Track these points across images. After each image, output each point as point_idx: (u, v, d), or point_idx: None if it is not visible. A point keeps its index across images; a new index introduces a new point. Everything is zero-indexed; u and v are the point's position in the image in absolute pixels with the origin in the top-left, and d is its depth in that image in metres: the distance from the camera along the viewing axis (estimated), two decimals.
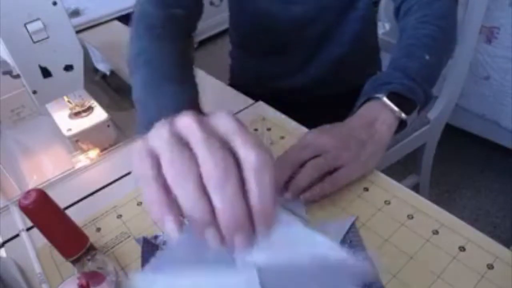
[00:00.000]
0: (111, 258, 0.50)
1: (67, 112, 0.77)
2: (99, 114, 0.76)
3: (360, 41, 0.81)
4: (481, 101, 1.44)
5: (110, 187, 0.62)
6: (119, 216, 0.56)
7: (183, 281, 0.31)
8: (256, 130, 0.67)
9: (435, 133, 1.10)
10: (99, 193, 0.61)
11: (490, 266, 0.43)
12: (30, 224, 0.54)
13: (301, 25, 0.78)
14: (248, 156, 0.28)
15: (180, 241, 0.29)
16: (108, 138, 0.76)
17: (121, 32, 1.17)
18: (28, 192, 0.44)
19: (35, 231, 0.49)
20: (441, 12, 0.63)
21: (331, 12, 0.77)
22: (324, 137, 0.52)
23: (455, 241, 0.46)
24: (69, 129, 0.73)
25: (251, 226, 0.28)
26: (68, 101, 0.76)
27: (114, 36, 1.17)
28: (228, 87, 0.81)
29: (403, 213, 0.50)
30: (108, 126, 0.75)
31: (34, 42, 0.62)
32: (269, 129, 0.67)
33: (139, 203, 0.57)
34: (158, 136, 0.30)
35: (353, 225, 0.49)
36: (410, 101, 0.55)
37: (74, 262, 0.48)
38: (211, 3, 2.01)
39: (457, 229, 0.47)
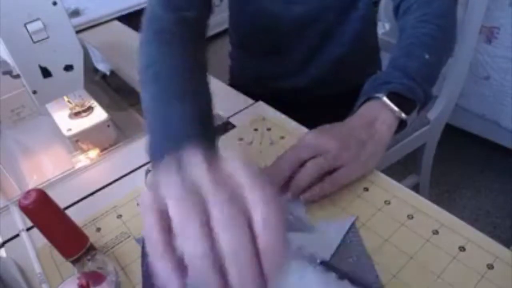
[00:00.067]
0: (111, 258, 0.50)
1: (67, 112, 0.77)
2: (99, 114, 0.76)
3: (360, 41, 0.81)
4: (481, 101, 1.44)
5: (110, 187, 0.62)
6: (119, 216, 0.56)
7: None
8: (256, 130, 0.67)
9: (435, 133, 1.10)
10: (99, 193, 0.61)
11: (490, 266, 0.43)
12: (30, 224, 0.54)
13: (302, 25, 0.78)
14: (259, 212, 0.28)
15: None
16: (108, 138, 0.76)
17: (121, 32, 1.17)
18: (28, 192, 0.44)
19: (35, 231, 0.49)
20: (441, 11, 0.63)
21: (332, 12, 0.77)
22: (324, 137, 0.52)
23: (455, 241, 0.46)
24: (69, 129, 0.73)
25: (260, 277, 0.28)
26: (68, 101, 0.76)
27: (114, 36, 1.16)
28: (228, 87, 0.81)
29: (403, 213, 0.50)
30: (108, 126, 0.75)
31: (34, 42, 0.62)
32: (269, 129, 0.67)
33: (139, 203, 0.57)
34: (169, 188, 0.29)
35: (353, 225, 0.49)
36: (410, 100, 0.55)
37: (74, 262, 0.48)
38: None
39: (457, 229, 0.47)
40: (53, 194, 0.46)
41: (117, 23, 1.23)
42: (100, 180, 0.63)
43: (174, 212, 0.29)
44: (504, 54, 1.31)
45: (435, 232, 0.47)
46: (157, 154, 0.43)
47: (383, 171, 0.55)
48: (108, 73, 0.91)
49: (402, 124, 0.56)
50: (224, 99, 0.76)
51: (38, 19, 0.61)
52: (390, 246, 0.46)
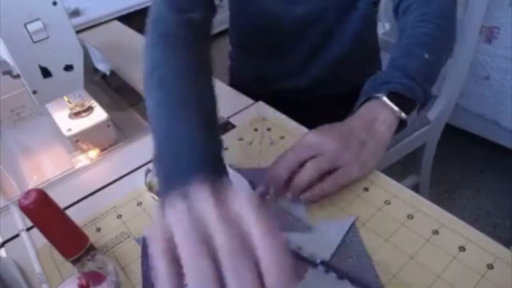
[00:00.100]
0: (111, 258, 0.50)
1: (67, 112, 0.77)
2: (99, 114, 0.76)
3: (360, 41, 0.81)
4: (481, 101, 1.44)
5: (110, 187, 0.62)
6: (119, 216, 0.56)
7: None
8: (256, 130, 0.67)
9: (435, 133, 1.10)
10: (99, 193, 0.61)
11: (490, 266, 0.43)
12: (30, 224, 0.54)
13: (303, 25, 0.78)
14: (264, 250, 0.29)
15: None
16: (108, 138, 0.76)
17: (121, 32, 1.17)
18: (28, 192, 0.44)
19: (35, 231, 0.49)
20: (440, 10, 0.63)
21: (333, 12, 0.77)
22: (324, 137, 0.52)
23: (455, 241, 0.46)
24: (69, 129, 0.73)
25: None
26: (68, 101, 0.76)
27: (114, 36, 1.17)
28: (228, 87, 0.81)
29: (403, 213, 0.50)
30: (108, 126, 0.75)
31: (34, 42, 0.62)
32: (269, 129, 0.67)
33: (139, 203, 0.57)
34: (177, 226, 0.31)
35: (353, 225, 0.49)
36: (410, 100, 0.55)
37: (74, 262, 0.48)
38: None
39: (457, 229, 0.47)
40: (53, 194, 0.46)
41: (117, 23, 1.23)
42: (100, 180, 0.63)
43: (182, 251, 0.30)
44: (504, 54, 1.31)
45: (435, 232, 0.47)
46: (162, 174, 0.43)
47: (383, 171, 0.55)
48: (108, 73, 0.91)
49: (402, 124, 0.56)
50: (224, 99, 0.76)
51: (38, 19, 0.61)
52: (390, 246, 0.46)
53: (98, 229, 0.55)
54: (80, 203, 0.60)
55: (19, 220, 0.57)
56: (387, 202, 0.51)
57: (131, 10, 1.28)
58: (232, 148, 0.63)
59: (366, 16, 0.80)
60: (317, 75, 0.85)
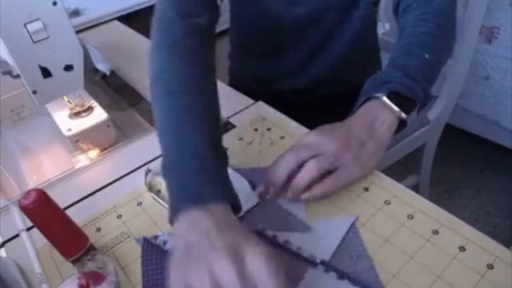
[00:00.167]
0: (111, 258, 0.50)
1: (67, 112, 0.77)
2: (99, 114, 0.76)
3: (360, 41, 0.81)
4: (481, 101, 1.44)
5: (110, 187, 0.62)
6: (119, 216, 0.56)
7: None
8: (256, 130, 0.67)
9: (435, 133, 1.10)
10: (99, 193, 0.61)
11: (490, 266, 0.43)
12: (30, 224, 0.54)
13: (303, 25, 0.78)
14: None
15: None
16: (108, 138, 0.76)
17: (121, 32, 1.17)
18: (28, 192, 0.44)
19: (35, 231, 0.49)
20: (440, 9, 0.62)
21: (334, 12, 0.77)
22: (324, 137, 0.52)
23: (455, 241, 0.46)
24: (69, 129, 0.73)
25: None
26: (68, 101, 0.76)
27: (114, 36, 1.17)
28: (228, 87, 0.81)
29: (403, 213, 0.50)
30: (108, 126, 0.75)
31: (34, 42, 0.62)
32: (269, 129, 0.67)
33: (139, 203, 0.57)
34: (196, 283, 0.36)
35: (353, 225, 0.49)
36: (410, 100, 0.55)
37: (74, 262, 0.48)
38: None
39: (457, 229, 0.47)
40: (53, 194, 0.46)
41: (117, 23, 1.23)
42: (100, 180, 0.63)
43: None
44: (504, 54, 1.31)
45: (435, 232, 0.47)
46: (174, 199, 0.46)
47: (383, 171, 0.55)
48: (108, 73, 0.91)
49: (402, 123, 0.56)
50: (224, 99, 0.76)
51: (38, 19, 0.61)
52: (390, 246, 0.46)
53: (98, 229, 0.55)
54: (80, 203, 0.60)
55: (19, 220, 0.57)
56: (387, 202, 0.51)
57: (131, 10, 1.28)
58: (232, 148, 0.63)
59: (367, 15, 0.79)
60: (317, 75, 0.85)
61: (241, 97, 0.76)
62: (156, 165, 0.61)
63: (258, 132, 0.66)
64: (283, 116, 0.69)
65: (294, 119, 0.68)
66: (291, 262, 0.46)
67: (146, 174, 0.59)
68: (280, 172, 0.51)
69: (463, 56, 0.98)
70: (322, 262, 0.45)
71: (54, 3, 0.61)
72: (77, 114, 0.76)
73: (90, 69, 0.95)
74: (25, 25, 0.60)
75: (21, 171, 0.73)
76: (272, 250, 0.38)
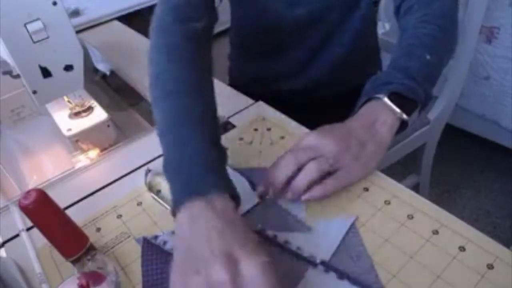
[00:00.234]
0: (111, 258, 0.50)
1: (67, 112, 0.77)
2: (99, 114, 0.76)
3: (360, 41, 0.81)
4: (481, 101, 1.44)
5: (110, 187, 0.62)
6: (119, 216, 0.56)
7: None
8: (256, 130, 0.67)
9: (435, 133, 1.10)
10: (99, 193, 0.61)
11: (490, 266, 0.43)
12: (30, 224, 0.54)
13: (303, 26, 0.78)
14: None
15: None
16: (108, 138, 0.76)
17: (121, 32, 1.17)
18: (28, 192, 0.44)
19: (35, 231, 0.49)
20: (441, 11, 0.62)
21: (334, 12, 0.77)
22: (324, 138, 0.52)
23: (455, 241, 0.46)
24: (69, 129, 0.74)
25: None
26: (68, 101, 0.76)
27: (114, 36, 1.17)
28: (228, 87, 0.81)
29: (403, 213, 0.50)
30: (108, 126, 0.75)
31: (34, 42, 0.62)
32: (269, 129, 0.67)
33: (139, 203, 0.57)
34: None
35: (353, 225, 0.49)
36: (411, 101, 0.55)
37: (74, 262, 0.48)
38: None
39: (457, 229, 0.47)
40: (53, 194, 0.46)
41: (117, 23, 1.23)
42: (100, 180, 0.63)
43: None
44: (504, 54, 1.31)
45: (435, 232, 0.47)
46: (177, 196, 0.46)
47: (383, 171, 0.55)
48: (108, 73, 0.91)
49: (403, 124, 0.56)
50: (224, 99, 0.76)
51: (38, 19, 0.61)
52: (390, 246, 0.46)
53: (98, 229, 0.55)
54: (80, 203, 0.60)
55: (19, 220, 0.57)
56: (387, 202, 0.51)
57: (131, 10, 1.28)
58: (232, 148, 0.63)
59: (367, 15, 0.79)
60: (317, 75, 0.84)
61: (241, 97, 0.76)
62: (156, 165, 0.61)
63: (258, 132, 0.66)
64: (283, 116, 0.69)
65: (294, 119, 0.68)
66: (291, 262, 0.46)
67: (146, 174, 0.59)
68: (279, 175, 0.51)
69: (463, 56, 0.98)
70: (322, 262, 0.45)
71: (54, 3, 0.61)
72: (77, 114, 0.76)
73: (90, 69, 0.95)
74: (25, 25, 0.60)
75: (21, 171, 0.73)
76: (272, 250, 0.38)
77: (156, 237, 0.52)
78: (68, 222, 0.48)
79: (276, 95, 0.81)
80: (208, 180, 0.45)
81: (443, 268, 0.43)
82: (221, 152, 0.51)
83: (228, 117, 0.70)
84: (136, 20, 1.27)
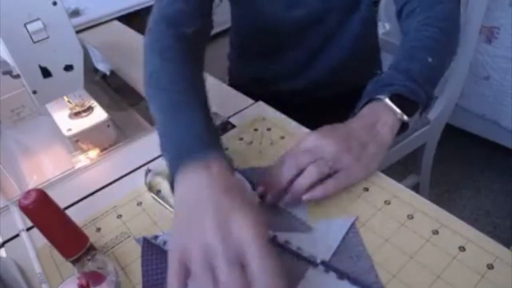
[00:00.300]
0: (111, 258, 0.50)
1: (67, 112, 0.77)
2: (99, 114, 0.76)
3: (360, 41, 0.81)
4: (481, 101, 1.44)
5: (110, 187, 0.62)
6: (119, 216, 0.56)
7: None
8: (256, 130, 0.67)
9: (435, 133, 1.10)
10: (99, 193, 0.61)
11: (490, 266, 0.43)
12: (30, 224, 0.54)
13: (302, 27, 0.78)
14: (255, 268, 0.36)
15: None
16: (108, 138, 0.76)
17: (121, 32, 1.17)
18: (28, 192, 0.44)
19: (35, 231, 0.49)
20: (443, 14, 0.62)
21: (334, 14, 0.77)
22: (325, 139, 0.52)
23: (455, 241, 0.46)
24: (69, 129, 0.74)
25: None
26: (68, 101, 0.76)
27: (114, 36, 1.17)
28: (228, 87, 0.81)
29: (403, 213, 0.50)
30: (108, 126, 0.75)
31: (34, 42, 0.62)
32: (269, 129, 0.67)
33: (139, 203, 0.57)
34: (190, 258, 0.39)
35: (353, 225, 0.49)
36: (413, 103, 0.55)
37: (74, 262, 0.48)
38: None
39: (457, 229, 0.47)
40: (53, 194, 0.46)
41: (117, 23, 1.23)
42: (100, 180, 0.63)
43: (194, 276, 0.39)
44: (504, 54, 1.31)
45: (435, 232, 0.47)
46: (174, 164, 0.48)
47: (383, 171, 0.55)
48: (108, 73, 0.91)
49: (404, 126, 0.56)
50: (224, 99, 0.76)
51: (38, 19, 0.61)
52: (390, 246, 0.46)
53: (98, 229, 0.55)
54: (80, 203, 0.60)
55: (19, 220, 0.57)
56: (387, 202, 0.51)
57: (131, 10, 1.28)
58: (232, 148, 0.63)
59: (367, 18, 0.79)
60: (317, 77, 0.84)
61: (241, 97, 0.76)
62: (156, 165, 0.61)
63: (258, 132, 0.66)
64: (283, 116, 0.69)
65: (294, 119, 0.68)
66: (291, 262, 0.46)
67: (146, 174, 0.59)
68: (279, 179, 0.50)
69: (463, 56, 0.98)
70: (322, 262, 0.45)
71: (54, 3, 0.61)
72: (77, 114, 0.76)
73: (90, 69, 0.95)
74: (25, 25, 0.60)
75: (21, 171, 0.73)
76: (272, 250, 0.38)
77: (156, 237, 0.52)
78: (68, 222, 0.48)
79: (276, 95, 0.81)
80: (202, 144, 0.47)
81: (443, 268, 0.43)
82: (215, 130, 0.52)
83: (228, 117, 0.70)
84: (136, 20, 1.27)
